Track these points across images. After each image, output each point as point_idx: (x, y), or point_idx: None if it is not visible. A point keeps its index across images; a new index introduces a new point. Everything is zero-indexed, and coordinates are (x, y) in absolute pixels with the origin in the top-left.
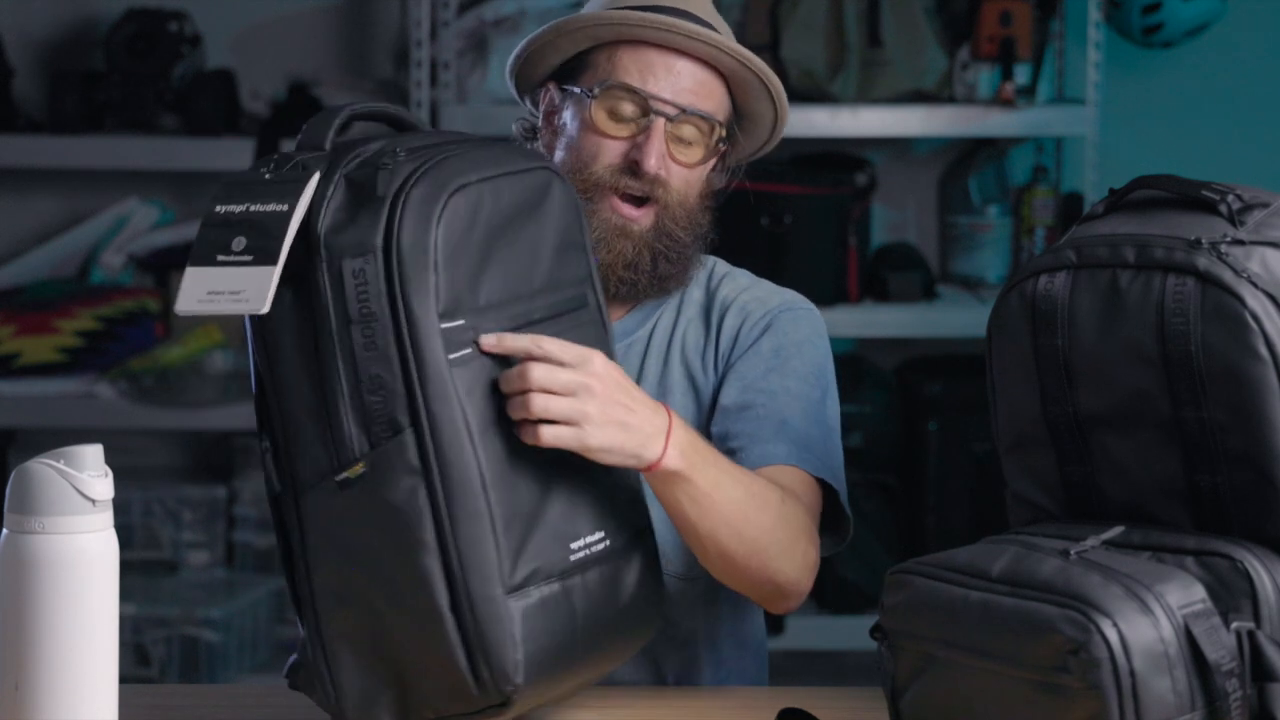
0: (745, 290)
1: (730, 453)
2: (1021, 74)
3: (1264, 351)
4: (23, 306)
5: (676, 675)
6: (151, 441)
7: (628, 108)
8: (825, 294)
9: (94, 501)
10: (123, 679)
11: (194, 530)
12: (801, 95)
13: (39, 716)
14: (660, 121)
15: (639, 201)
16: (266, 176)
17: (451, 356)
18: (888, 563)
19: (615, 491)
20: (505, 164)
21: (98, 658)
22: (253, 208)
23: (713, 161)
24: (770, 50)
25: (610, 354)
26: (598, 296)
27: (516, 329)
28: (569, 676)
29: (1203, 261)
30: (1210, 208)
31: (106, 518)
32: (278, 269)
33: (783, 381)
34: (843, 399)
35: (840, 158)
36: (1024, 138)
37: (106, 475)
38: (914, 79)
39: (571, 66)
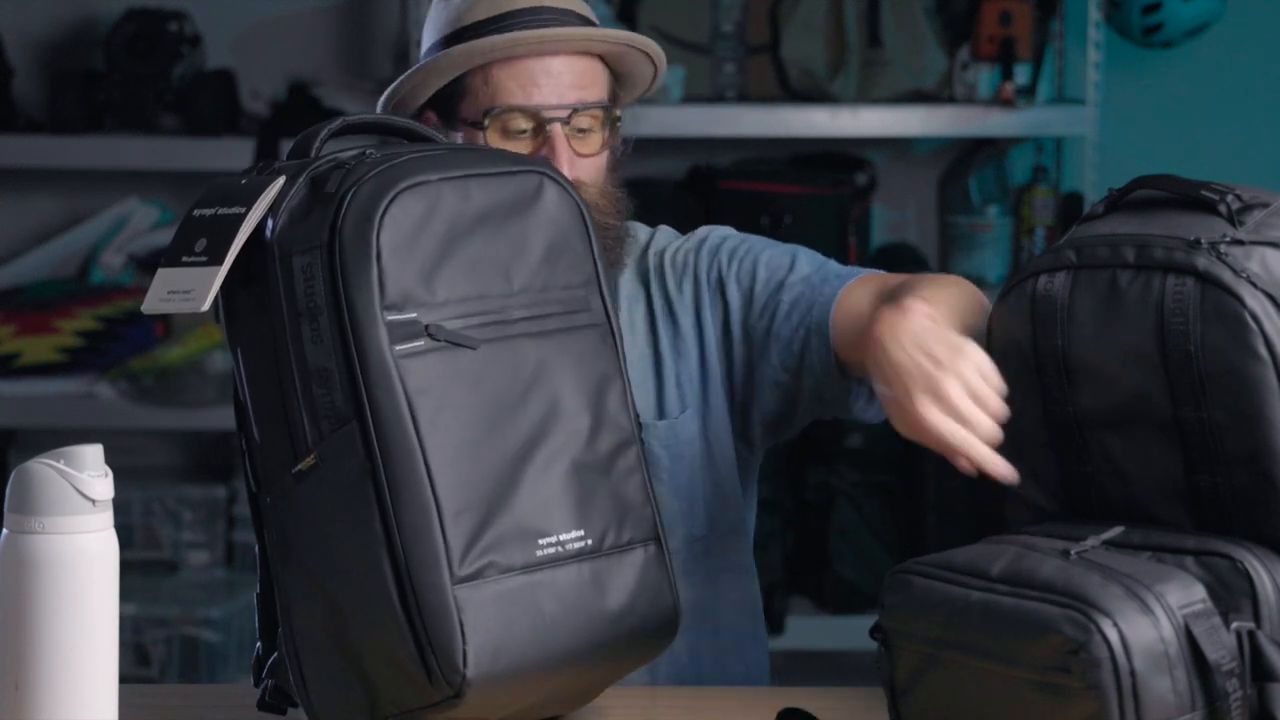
0: (664, 245)
1: (816, 305)
2: (1021, 74)
3: (1264, 351)
4: (23, 306)
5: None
6: (151, 441)
7: (520, 123)
8: None
9: (94, 501)
10: (123, 679)
11: (194, 530)
12: (801, 95)
13: (39, 716)
14: (556, 128)
15: None
16: (242, 181)
17: (399, 348)
18: (888, 563)
19: (604, 494)
20: (482, 166)
21: (98, 658)
22: (220, 211)
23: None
24: (770, 50)
25: (621, 365)
26: (604, 302)
27: (486, 326)
28: (539, 679)
29: (1202, 261)
30: (1210, 208)
31: (106, 518)
32: (222, 269)
33: (773, 258)
34: None
35: (840, 158)
36: (1024, 138)
37: (106, 475)
38: (914, 79)
39: (447, 93)
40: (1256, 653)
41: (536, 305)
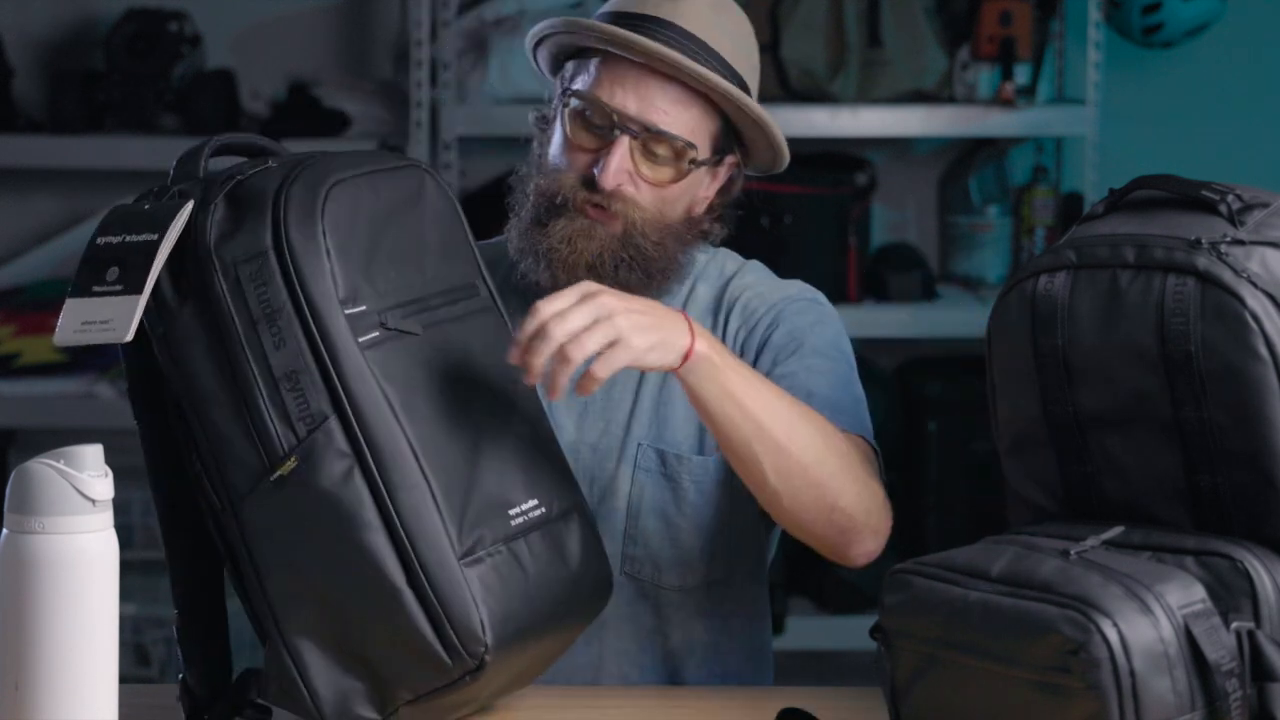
0: (750, 287)
1: None
2: (1021, 74)
3: (1264, 351)
4: (23, 306)
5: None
6: None
7: (597, 119)
8: (825, 294)
9: (94, 501)
10: (123, 679)
11: None
12: (801, 95)
13: (39, 716)
14: (624, 139)
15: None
16: (146, 207)
17: (361, 339)
18: (888, 563)
19: (541, 463)
20: (375, 163)
21: (98, 658)
22: (128, 238)
23: (697, 179)
24: (770, 50)
25: (510, 343)
26: (489, 288)
27: (417, 314)
28: (534, 641)
29: (1203, 261)
30: (1210, 208)
31: (106, 518)
32: (143, 297)
33: (802, 361)
34: None
35: (840, 158)
36: (1024, 138)
37: (106, 475)
38: (914, 79)
39: (582, 54)
40: (1256, 653)
41: (446, 293)
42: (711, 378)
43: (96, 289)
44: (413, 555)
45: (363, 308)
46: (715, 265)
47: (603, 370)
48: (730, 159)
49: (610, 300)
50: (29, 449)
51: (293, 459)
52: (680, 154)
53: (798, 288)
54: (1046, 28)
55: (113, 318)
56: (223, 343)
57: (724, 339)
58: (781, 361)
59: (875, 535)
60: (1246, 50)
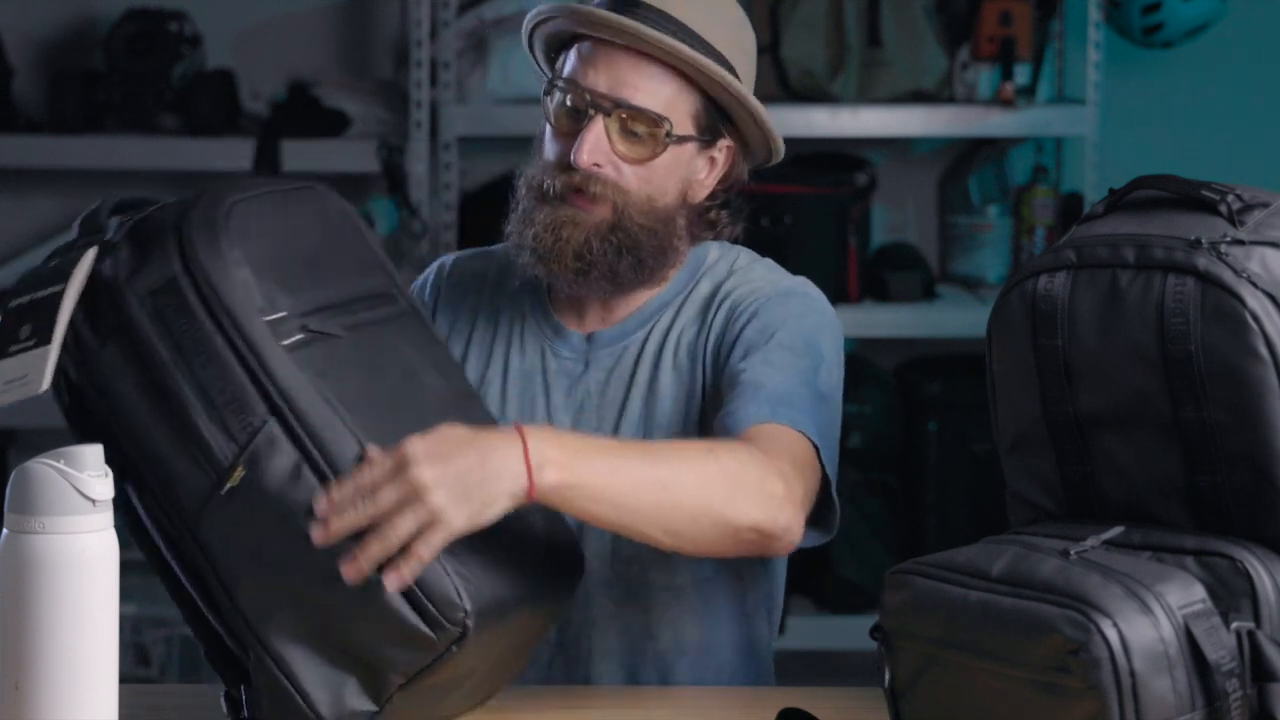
0: (745, 284)
1: (721, 430)
2: (1021, 74)
3: (1264, 351)
4: None
5: (678, 680)
6: None
7: (575, 102)
8: (825, 294)
9: (94, 501)
10: (123, 679)
11: None
12: (801, 95)
13: (39, 716)
14: (598, 117)
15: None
16: (51, 264)
17: (285, 343)
18: (888, 563)
19: None
20: (272, 184)
21: (98, 658)
22: (36, 295)
23: (682, 157)
24: (770, 50)
25: (440, 338)
26: (407, 298)
27: (339, 319)
28: (513, 612)
29: (1203, 261)
30: (1210, 208)
31: (106, 518)
32: (54, 346)
33: (764, 356)
34: (843, 399)
35: (840, 158)
36: (1024, 138)
37: (106, 475)
38: (914, 79)
39: (569, 45)
40: (1256, 653)
41: (364, 299)
42: (567, 501)
43: (13, 349)
44: None
45: (282, 314)
46: (725, 262)
47: (425, 552)
48: (724, 143)
49: (424, 472)
50: (29, 449)
51: (240, 469)
52: (656, 127)
53: (793, 281)
54: (1046, 28)
55: (28, 372)
56: (150, 372)
57: (708, 337)
58: (744, 356)
59: (788, 532)
60: (1246, 50)
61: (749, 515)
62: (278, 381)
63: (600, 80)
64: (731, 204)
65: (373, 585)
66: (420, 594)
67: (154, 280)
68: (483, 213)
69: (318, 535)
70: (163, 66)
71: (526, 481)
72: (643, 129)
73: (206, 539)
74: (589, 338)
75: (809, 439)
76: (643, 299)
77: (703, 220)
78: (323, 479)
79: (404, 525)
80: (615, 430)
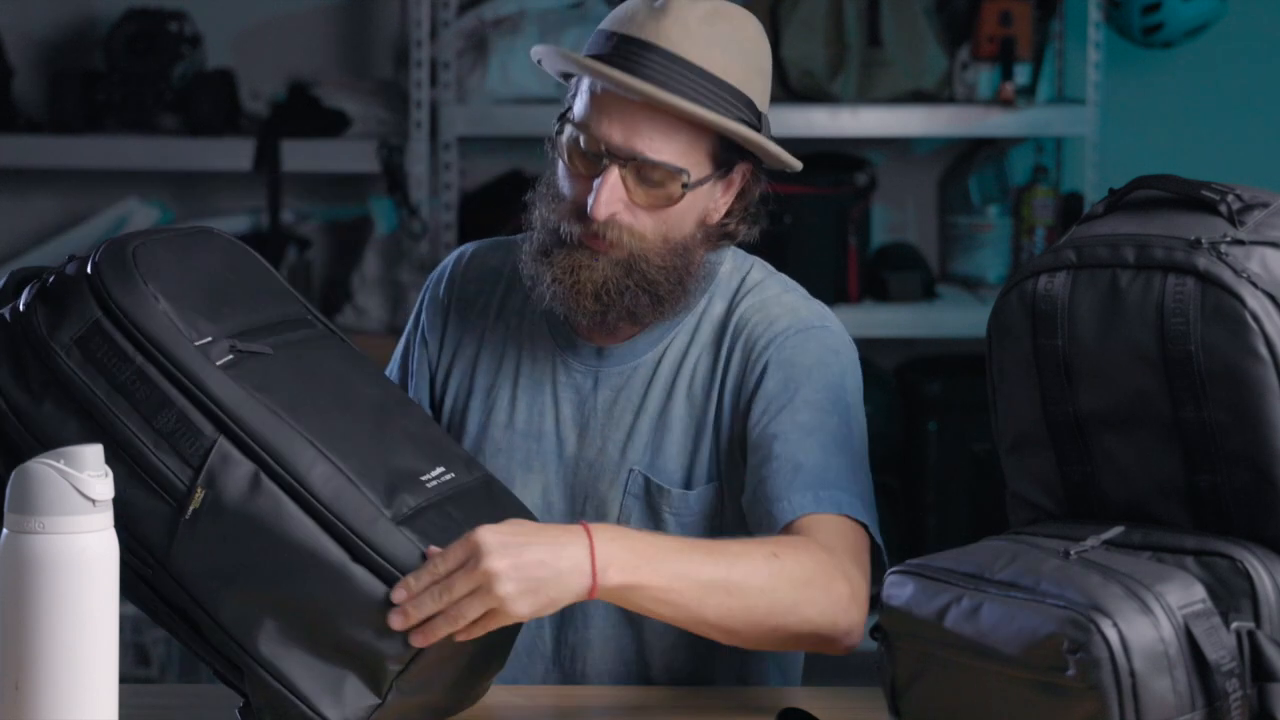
0: (757, 312)
1: (767, 516)
2: (1021, 74)
3: (1264, 351)
4: None
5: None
6: None
7: (589, 147)
8: (825, 294)
9: (94, 501)
10: (123, 679)
11: None
12: (801, 95)
13: (39, 716)
14: (613, 168)
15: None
16: None
17: (219, 363)
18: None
19: (440, 441)
20: (165, 230)
21: (98, 658)
22: None
23: (700, 195)
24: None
25: (367, 365)
26: (321, 320)
27: (266, 340)
28: None
29: (1203, 261)
30: (1210, 208)
31: (106, 518)
32: None
33: (793, 418)
34: None
35: (840, 158)
36: (1024, 138)
37: (106, 475)
38: (914, 79)
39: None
40: (1256, 653)
41: (283, 323)
42: (629, 601)
43: None
44: (345, 528)
45: (209, 338)
46: (737, 276)
47: (477, 631)
48: (741, 166)
49: (495, 563)
50: None
51: (200, 490)
52: (673, 178)
53: (807, 314)
54: (1046, 28)
55: None
56: (92, 417)
57: (725, 376)
58: (773, 415)
59: (849, 635)
60: (1246, 50)
61: (812, 622)
62: (219, 400)
63: (615, 132)
64: (747, 211)
65: (346, 577)
66: (398, 574)
67: (76, 329)
68: (483, 213)
69: (397, 623)
70: (163, 66)
71: (590, 581)
72: (659, 177)
73: (180, 570)
74: (599, 351)
75: (859, 522)
76: (634, 322)
77: (720, 232)
78: (281, 483)
79: (471, 611)
80: (621, 456)
